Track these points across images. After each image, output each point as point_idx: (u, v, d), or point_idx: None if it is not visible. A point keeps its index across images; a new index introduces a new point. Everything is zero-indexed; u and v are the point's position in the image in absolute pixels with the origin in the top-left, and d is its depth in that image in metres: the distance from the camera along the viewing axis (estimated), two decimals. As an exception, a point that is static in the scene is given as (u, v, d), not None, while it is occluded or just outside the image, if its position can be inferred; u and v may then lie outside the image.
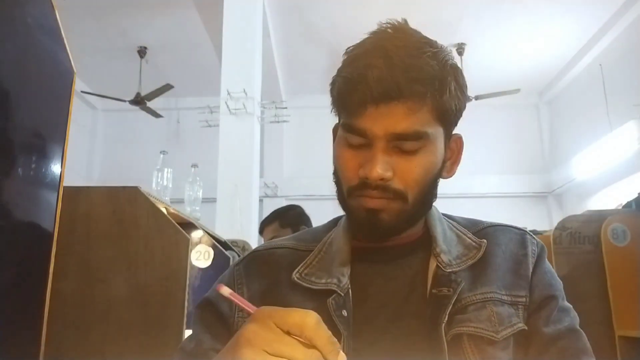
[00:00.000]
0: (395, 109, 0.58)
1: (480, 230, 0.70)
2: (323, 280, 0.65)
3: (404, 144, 0.60)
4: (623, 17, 4.43)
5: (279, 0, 4.33)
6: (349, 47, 0.64)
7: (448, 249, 0.66)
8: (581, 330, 0.65)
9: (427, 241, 0.67)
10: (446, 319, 0.59)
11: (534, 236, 0.70)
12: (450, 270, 0.63)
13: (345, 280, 0.64)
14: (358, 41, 0.65)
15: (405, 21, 0.64)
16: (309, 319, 0.43)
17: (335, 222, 0.74)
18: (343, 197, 0.65)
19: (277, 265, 0.69)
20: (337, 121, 0.68)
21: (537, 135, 6.26)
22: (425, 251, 0.67)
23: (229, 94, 3.38)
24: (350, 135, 0.61)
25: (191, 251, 1.41)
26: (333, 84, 0.64)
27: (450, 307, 0.60)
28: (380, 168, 0.59)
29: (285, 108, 4.36)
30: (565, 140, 5.78)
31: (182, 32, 4.85)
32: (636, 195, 2.12)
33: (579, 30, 4.78)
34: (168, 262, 1.37)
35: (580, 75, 5.42)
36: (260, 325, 0.44)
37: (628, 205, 2.17)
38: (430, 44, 0.61)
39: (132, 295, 1.35)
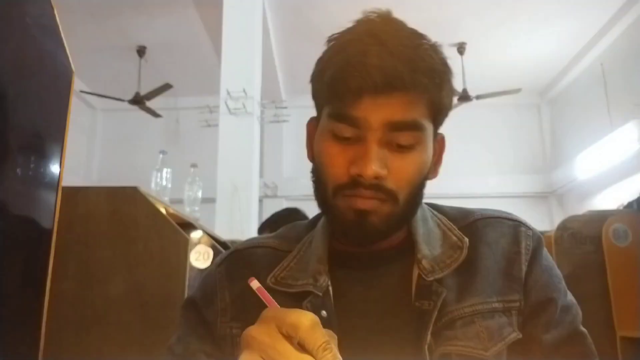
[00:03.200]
0: (394, 100, 0.54)
1: (470, 223, 0.66)
2: (299, 282, 0.62)
3: (400, 136, 0.56)
4: (624, 16, 4.43)
5: (279, 0, 4.32)
6: (332, 35, 0.60)
7: (431, 252, 0.62)
8: (584, 330, 0.63)
9: (410, 245, 0.63)
10: (429, 337, 0.56)
11: (529, 226, 0.66)
12: (432, 277, 0.59)
13: (323, 278, 0.61)
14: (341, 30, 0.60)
15: (389, 12, 0.61)
16: (303, 320, 0.42)
17: (314, 222, 0.70)
18: (326, 197, 0.60)
19: (258, 266, 0.66)
20: (316, 115, 0.65)
21: (538, 135, 6.24)
22: (408, 257, 0.63)
23: (228, 93, 3.38)
24: (339, 125, 0.57)
25: (190, 251, 1.41)
26: (320, 73, 0.60)
27: (432, 325, 0.57)
28: (376, 165, 0.55)
29: (285, 108, 4.35)
30: (566, 140, 5.77)
31: (182, 32, 4.84)
32: (638, 195, 2.12)
33: (580, 30, 4.77)
34: (167, 263, 1.36)
35: (581, 75, 5.41)
36: (261, 327, 0.44)
37: (629, 205, 2.16)
38: (423, 36, 0.59)
39: (131, 296, 1.34)
